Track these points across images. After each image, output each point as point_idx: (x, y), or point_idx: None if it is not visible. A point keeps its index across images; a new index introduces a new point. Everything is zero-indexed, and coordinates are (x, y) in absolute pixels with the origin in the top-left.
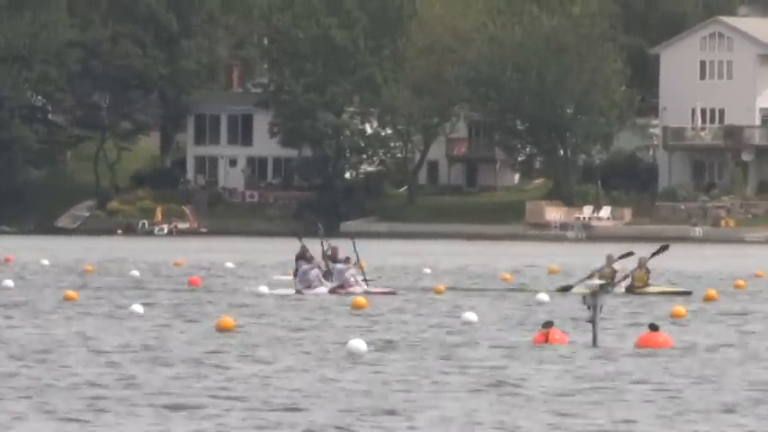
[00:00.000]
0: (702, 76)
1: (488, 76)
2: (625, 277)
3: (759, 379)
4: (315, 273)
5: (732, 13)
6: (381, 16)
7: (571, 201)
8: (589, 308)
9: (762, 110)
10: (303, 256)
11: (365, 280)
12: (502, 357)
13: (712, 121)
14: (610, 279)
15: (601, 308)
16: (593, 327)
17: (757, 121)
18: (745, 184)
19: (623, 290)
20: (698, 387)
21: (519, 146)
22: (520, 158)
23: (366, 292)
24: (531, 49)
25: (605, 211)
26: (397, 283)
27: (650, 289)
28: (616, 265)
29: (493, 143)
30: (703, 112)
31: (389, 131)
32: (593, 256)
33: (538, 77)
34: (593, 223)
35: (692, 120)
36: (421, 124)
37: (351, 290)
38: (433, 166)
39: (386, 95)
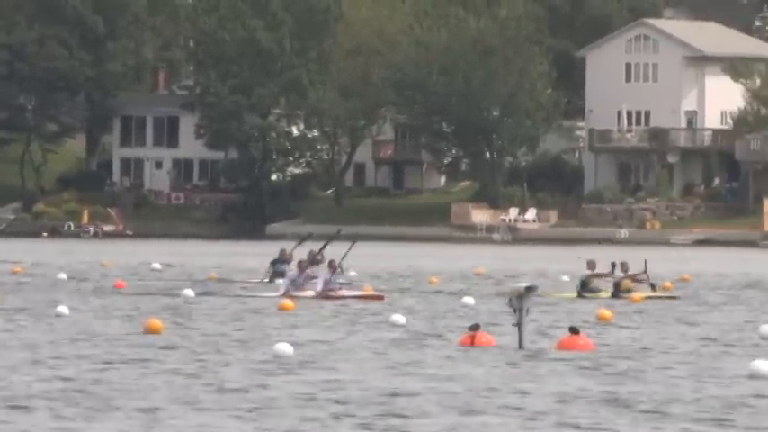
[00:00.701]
0: (628, 79)
1: (415, 79)
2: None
3: (663, 380)
4: (304, 276)
5: (657, 15)
6: (307, 18)
7: (497, 203)
8: (515, 311)
9: (687, 112)
10: (283, 259)
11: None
12: (425, 359)
13: (638, 123)
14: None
15: (527, 310)
16: (519, 329)
17: (683, 124)
18: (671, 187)
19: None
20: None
21: (445, 148)
22: (446, 161)
23: (356, 297)
24: (458, 52)
25: (531, 214)
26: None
27: (635, 295)
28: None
29: (419, 145)
30: (629, 114)
31: (316, 133)
32: (518, 258)
33: (464, 80)
34: (519, 225)
35: (618, 122)
36: (347, 126)
37: (339, 293)
38: (360, 169)
39: (312, 98)
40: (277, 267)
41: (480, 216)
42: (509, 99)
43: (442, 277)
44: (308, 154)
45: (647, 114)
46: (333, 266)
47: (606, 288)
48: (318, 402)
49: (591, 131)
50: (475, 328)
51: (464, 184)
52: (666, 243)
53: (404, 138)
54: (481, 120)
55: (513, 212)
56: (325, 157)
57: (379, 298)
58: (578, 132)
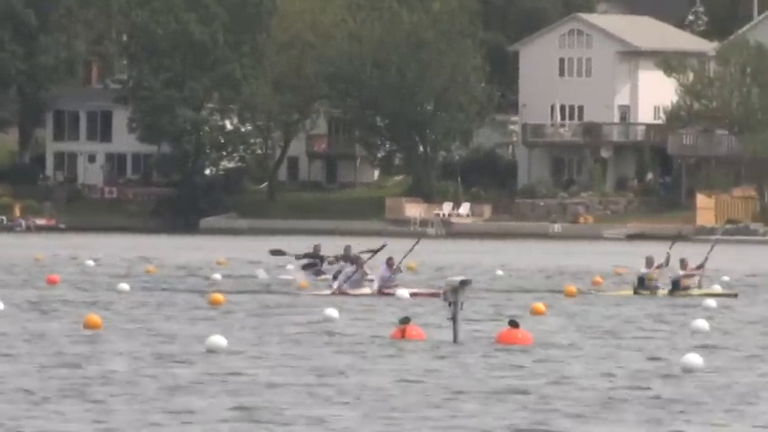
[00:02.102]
0: (562, 73)
1: (348, 73)
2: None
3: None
4: (359, 274)
5: (591, 10)
6: (241, 12)
7: (431, 197)
8: (450, 305)
9: (620, 107)
10: (349, 257)
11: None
12: (347, 354)
13: (571, 117)
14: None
15: (462, 304)
16: (454, 323)
17: (616, 118)
18: (604, 181)
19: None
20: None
21: (379, 142)
22: (380, 155)
23: (413, 294)
24: (391, 46)
25: (465, 208)
26: (257, 280)
27: (693, 291)
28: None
29: (353, 139)
30: (562, 108)
31: (249, 128)
32: (452, 252)
33: (397, 74)
34: (453, 220)
35: (552, 117)
36: (281, 120)
37: (392, 291)
38: (293, 163)
39: (245, 91)
40: (311, 262)
41: (414, 210)
42: (442, 93)
43: (375, 272)
44: (242, 148)
45: (581, 109)
46: (391, 264)
47: (664, 286)
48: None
49: (524, 126)
50: (405, 321)
51: (398, 178)
52: (599, 237)
53: (337, 132)
54: (414, 113)
55: (447, 207)
56: (259, 152)
57: (435, 295)
58: (512, 127)
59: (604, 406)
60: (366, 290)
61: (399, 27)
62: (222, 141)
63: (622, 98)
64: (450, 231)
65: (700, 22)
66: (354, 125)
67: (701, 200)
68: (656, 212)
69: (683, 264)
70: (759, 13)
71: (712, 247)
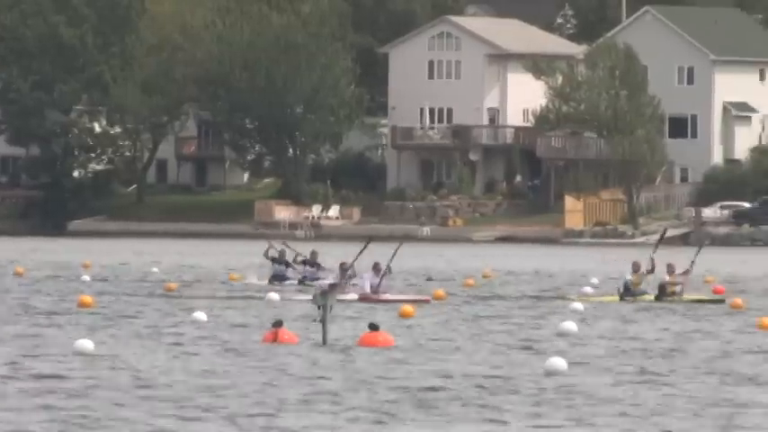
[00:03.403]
0: (431, 76)
1: (217, 75)
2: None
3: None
4: (345, 278)
5: (460, 12)
6: (110, 14)
7: (300, 200)
8: (319, 308)
9: (489, 109)
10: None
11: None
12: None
13: (440, 120)
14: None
15: (331, 307)
16: (323, 326)
17: (485, 121)
18: (473, 184)
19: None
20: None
21: (248, 145)
22: (249, 157)
23: (405, 301)
24: (261, 48)
25: (334, 211)
26: (126, 283)
27: (681, 297)
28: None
29: (222, 142)
30: (432, 111)
31: (118, 130)
32: (322, 254)
33: (267, 76)
34: (323, 222)
35: (421, 119)
36: (150, 123)
37: (383, 297)
38: (162, 165)
39: (114, 94)
40: (276, 269)
41: (283, 213)
42: (312, 95)
43: (245, 274)
44: (110, 150)
45: (450, 112)
46: (378, 269)
47: (650, 291)
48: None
49: (394, 129)
50: (278, 324)
51: (267, 180)
52: (469, 240)
53: (207, 134)
54: (284, 116)
55: (317, 209)
56: (128, 154)
57: (426, 301)
58: (381, 129)
59: (405, 406)
60: (352, 295)
61: (269, 29)
62: (91, 144)
63: (491, 101)
64: (320, 234)
65: (569, 26)
66: (224, 128)
67: (570, 202)
68: (524, 215)
69: (670, 268)
70: (627, 16)
71: (698, 251)
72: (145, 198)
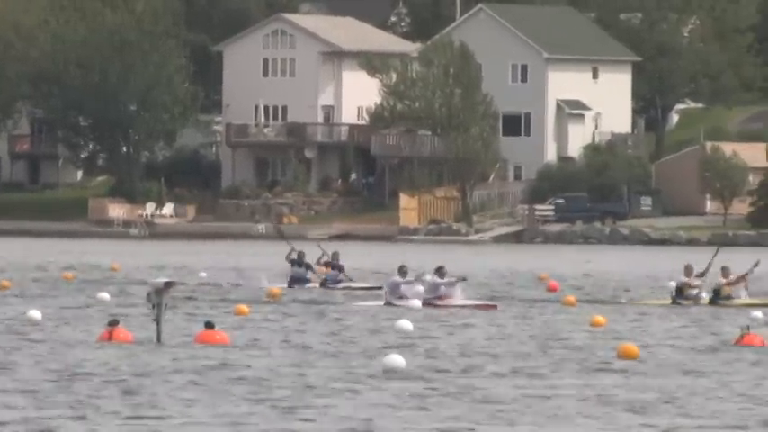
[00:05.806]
0: (265, 74)
1: (51, 73)
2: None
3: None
4: (409, 285)
5: (294, 10)
6: None
7: (134, 198)
8: (153, 306)
9: (324, 107)
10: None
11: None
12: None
13: (275, 118)
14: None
15: (165, 306)
16: (158, 324)
17: (320, 119)
18: (308, 182)
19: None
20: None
21: (82, 143)
22: (83, 155)
23: (467, 306)
24: (94, 46)
25: (168, 209)
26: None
27: (736, 301)
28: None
29: (56, 140)
30: (266, 109)
31: None
32: (156, 253)
33: (101, 74)
34: (157, 221)
35: (255, 117)
36: None
37: (448, 302)
38: None
39: None
40: (295, 271)
41: (117, 211)
42: (146, 93)
43: (76, 273)
44: None
45: (285, 109)
46: (442, 273)
47: (706, 295)
48: None
49: (228, 126)
50: (113, 323)
51: (101, 178)
52: (304, 238)
53: (40, 132)
54: (118, 114)
55: (151, 207)
56: None
57: (493, 307)
58: (216, 127)
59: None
60: (416, 301)
61: (102, 27)
62: None
63: (326, 98)
64: (154, 232)
65: (403, 24)
66: (57, 125)
67: (405, 200)
68: (360, 213)
69: (725, 272)
70: (461, 14)
71: (715, 254)
72: None
